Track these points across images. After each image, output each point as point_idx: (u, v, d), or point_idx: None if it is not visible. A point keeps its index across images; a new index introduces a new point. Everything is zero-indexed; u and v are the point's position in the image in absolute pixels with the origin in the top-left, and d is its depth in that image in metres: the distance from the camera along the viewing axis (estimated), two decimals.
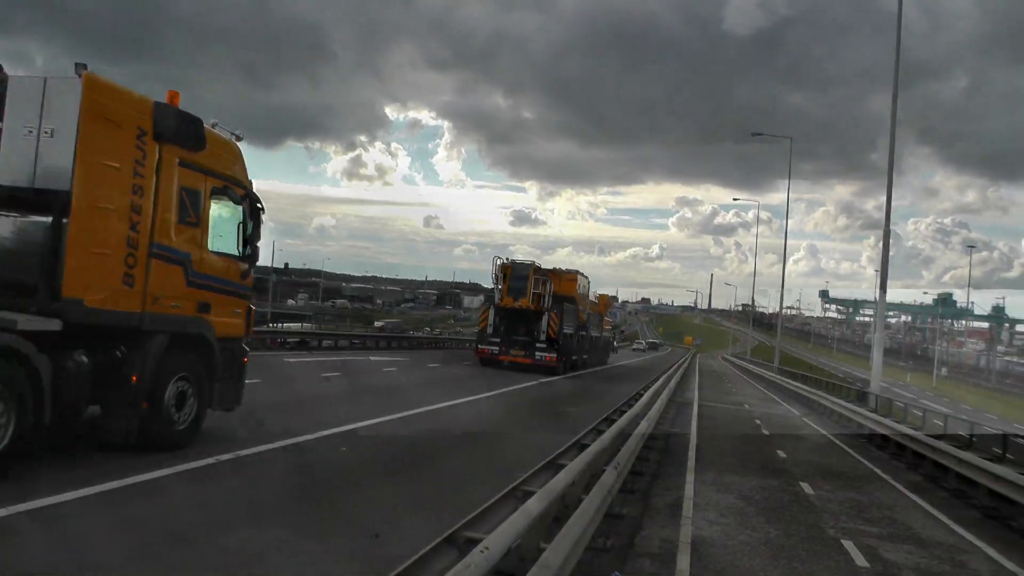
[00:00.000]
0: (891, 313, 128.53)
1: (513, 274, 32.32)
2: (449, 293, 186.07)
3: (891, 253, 27.57)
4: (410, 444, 12.52)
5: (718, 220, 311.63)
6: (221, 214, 10.24)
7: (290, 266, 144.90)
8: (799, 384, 38.50)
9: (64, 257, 7.94)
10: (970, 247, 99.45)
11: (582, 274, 37.60)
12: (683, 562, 8.09)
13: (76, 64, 8.25)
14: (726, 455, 16.57)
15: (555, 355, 31.97)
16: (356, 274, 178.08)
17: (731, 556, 8.58)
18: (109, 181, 8.38)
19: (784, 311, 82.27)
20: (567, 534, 6.05)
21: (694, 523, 9.80)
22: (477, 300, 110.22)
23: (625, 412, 15.51)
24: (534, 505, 5.43)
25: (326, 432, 11.87)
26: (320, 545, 6.85)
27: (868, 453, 18.99)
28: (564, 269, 36.21)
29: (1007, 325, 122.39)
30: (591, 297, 41.49)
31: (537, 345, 31.96)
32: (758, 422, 24.81)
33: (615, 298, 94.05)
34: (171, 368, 9.28)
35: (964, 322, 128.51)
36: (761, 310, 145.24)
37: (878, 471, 16.27)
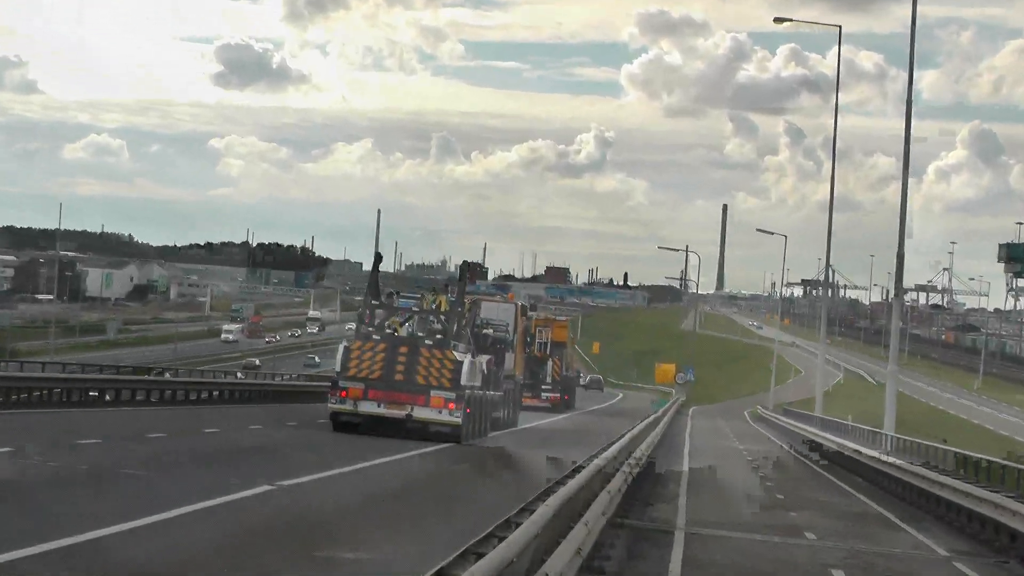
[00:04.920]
0: None
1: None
2: None
3: None
4: None
5: (741, 74, 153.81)
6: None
7: None
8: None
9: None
10: None
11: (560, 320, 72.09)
12: None
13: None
14: None
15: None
16: None
17: None
18: (520, 336, 39.39)
19: (907, 294, 38.97)
20: None
21: None
22: None
23: None
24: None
25: None
26: None
27: None
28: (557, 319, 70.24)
29: None
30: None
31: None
32: None
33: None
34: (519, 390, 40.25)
35: None
36: (844, 284, 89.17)
37: None
